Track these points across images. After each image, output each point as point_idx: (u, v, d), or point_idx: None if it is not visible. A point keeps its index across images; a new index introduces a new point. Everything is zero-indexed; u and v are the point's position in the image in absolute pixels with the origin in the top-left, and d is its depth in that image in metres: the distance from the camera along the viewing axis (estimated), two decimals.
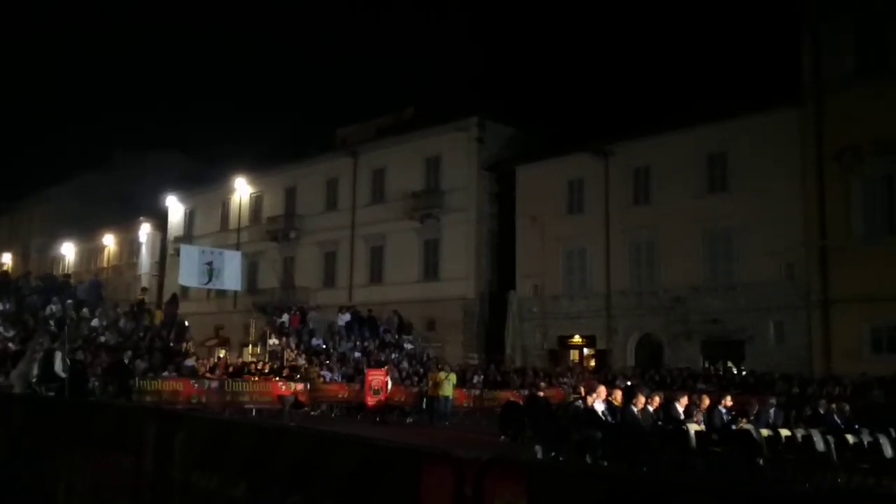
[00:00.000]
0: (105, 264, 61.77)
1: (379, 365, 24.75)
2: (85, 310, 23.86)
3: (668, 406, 13.88)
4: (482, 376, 27.39)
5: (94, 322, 23.16)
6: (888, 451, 12.74)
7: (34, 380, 15.30)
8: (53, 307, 22.89)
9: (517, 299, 35.50)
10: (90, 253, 63.99)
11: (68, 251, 64.95)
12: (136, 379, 18.47)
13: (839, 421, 14.54)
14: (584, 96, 54.23)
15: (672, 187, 31.80)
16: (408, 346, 30.58)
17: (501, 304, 36.14)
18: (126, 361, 19.01)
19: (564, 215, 35.38)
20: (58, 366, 17.37)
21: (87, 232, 61.69)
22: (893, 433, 13.18)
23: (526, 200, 36.68)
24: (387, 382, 22.49)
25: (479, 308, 37.77)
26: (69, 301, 24.04)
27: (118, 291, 48.06)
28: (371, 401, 22.09)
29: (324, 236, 44.18)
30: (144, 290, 38.64)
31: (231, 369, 23.43)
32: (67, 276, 39.71)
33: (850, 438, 13.07)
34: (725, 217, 30.36)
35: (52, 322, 21.41)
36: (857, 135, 27.23)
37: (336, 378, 23.98)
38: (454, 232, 38.46)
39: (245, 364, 23.48)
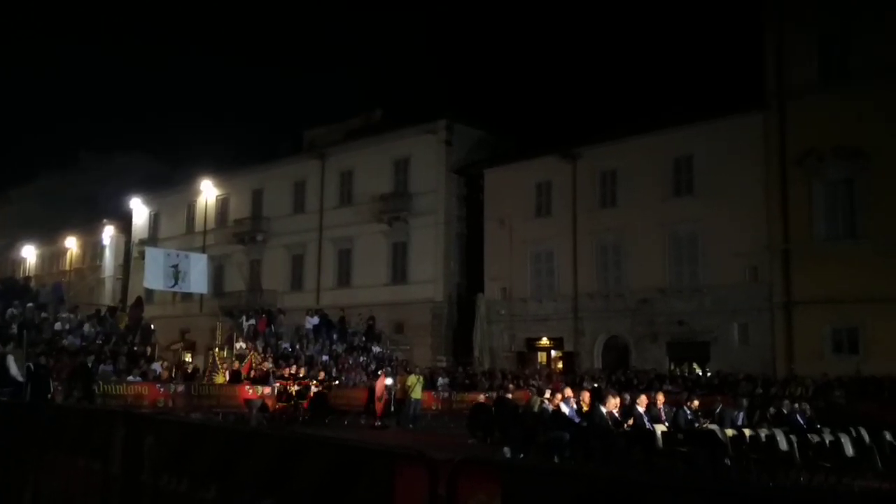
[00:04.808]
0: (67, 267, 60.68)
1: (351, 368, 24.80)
2: (44, 314, 23.49)
3: (630, 407, 14.02)
4: (447, 379, 27.41)
5: (57, 326, 22.82)
6: (849, 450, 12.99)
7: None
8: (14, 310, 22.52)
9: (485, 302, 35.57)
10: (52, 255, 62.87)
11: (29, 254, 63.72)
12: (100, 383, 18.19)
13: (801, 421, 14.80)
14: (552, 100, 54.62)
15: (639, 190, 32.09)
16: (376, 349, 30.54)
17: (470, 306, 36.19)
18: (89, 365, 18.72)
19: (532, 218, 35.53)
20: (13, 370, 17.03)
21: (49, 234, 60.59)
22: (854, 433, 13.44)
23: (494, 203, 36.79)
24: (385, 387, 22.51)
25: (447, 311, 37.80)
26: (30, 304, 23.68)
27: (81, 295, 47.28)
28: (378, 407, 22.19)
29: (291, 239, 43.90)
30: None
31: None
32: (28, 278, 39.06)
33: (813, 438, 13.30)
34: (691, 220, 30.68)
35: (13, 325, 21.09)
36: (818, 139, 27.72)
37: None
38: (422, 235, 38.45)
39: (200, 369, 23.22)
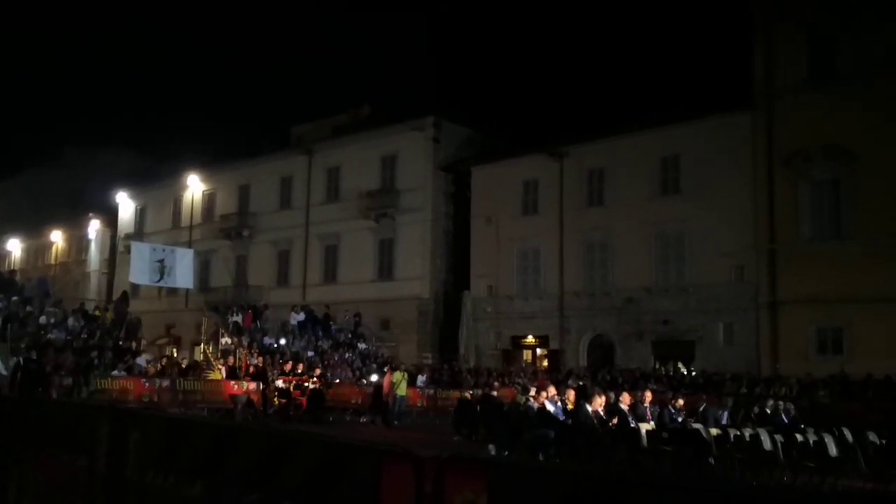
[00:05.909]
0: (53, 261, 60.43)
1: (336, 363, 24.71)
2: (29, 307, 23.34)
3: (615, 405, 14.07)
4: (425, 376, 27.28)
5: (42, 319, 22.68)
6: (833, 450, 13.07)
7: None
8: None
9: (471, 299, 35.60)
10: (37, 250, 62.60)
11: (14, 248, 63.49)
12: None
13: (786, 420, 14.88)
14: (540, 98, 54.68)
15: (625, 189, 32.18)
16: (361, 345, 30.50)
17: (456, 304, 36.22)
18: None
19: (519, 216, 35.57)
20: None
21: (34, 228, 60.35)
22: (837, 433, 13.53)
23: (481, 201, 36.81)
24: (390, 383, 22.42)
25: (433, 308, 37.80)
26: (15, 298, 23.53)
27: (66, 289, 47.01)
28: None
29: (277, 235, 43.80)
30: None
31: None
32: (13, 272, 38.79)
33: (797, 437, 13.38)
34: (678, 219, 30.79)
35: None
36: (806, 140, 27.88)
37: None
38: (409, 231, 38.43)
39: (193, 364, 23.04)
